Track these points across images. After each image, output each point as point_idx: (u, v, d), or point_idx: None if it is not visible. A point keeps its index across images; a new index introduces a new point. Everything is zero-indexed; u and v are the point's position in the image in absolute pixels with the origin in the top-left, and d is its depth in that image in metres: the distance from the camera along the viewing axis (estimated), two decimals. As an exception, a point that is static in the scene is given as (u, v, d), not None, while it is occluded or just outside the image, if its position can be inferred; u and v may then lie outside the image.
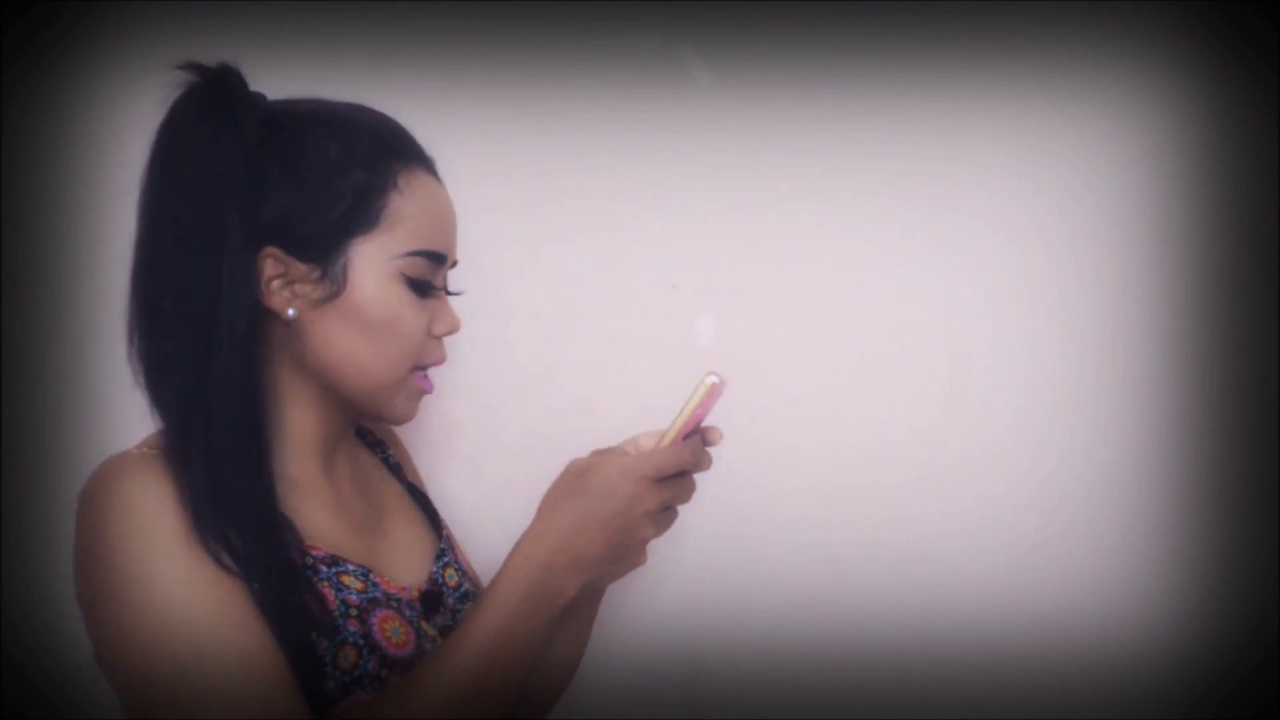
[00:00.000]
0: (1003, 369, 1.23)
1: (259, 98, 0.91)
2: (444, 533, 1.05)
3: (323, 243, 0.88)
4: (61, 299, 1.18)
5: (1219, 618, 1.22)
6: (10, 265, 1.18)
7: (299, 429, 0.93)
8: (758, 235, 1.23)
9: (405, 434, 1.17)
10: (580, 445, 1.14)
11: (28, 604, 1.17)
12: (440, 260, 0.93)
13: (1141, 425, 1.23)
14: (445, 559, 1.01)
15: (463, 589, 1.01)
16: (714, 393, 0.88)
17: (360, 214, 0.89)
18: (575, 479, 0.88)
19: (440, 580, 0.99)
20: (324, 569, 0.89)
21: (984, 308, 1.23)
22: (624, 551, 0.88)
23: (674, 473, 0.88)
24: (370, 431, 1.10)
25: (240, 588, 0.81)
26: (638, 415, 1.21)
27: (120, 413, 1.19)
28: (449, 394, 1.21)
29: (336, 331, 0.89)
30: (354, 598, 0.88)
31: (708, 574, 1.24)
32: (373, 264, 0.89)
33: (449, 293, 0.97)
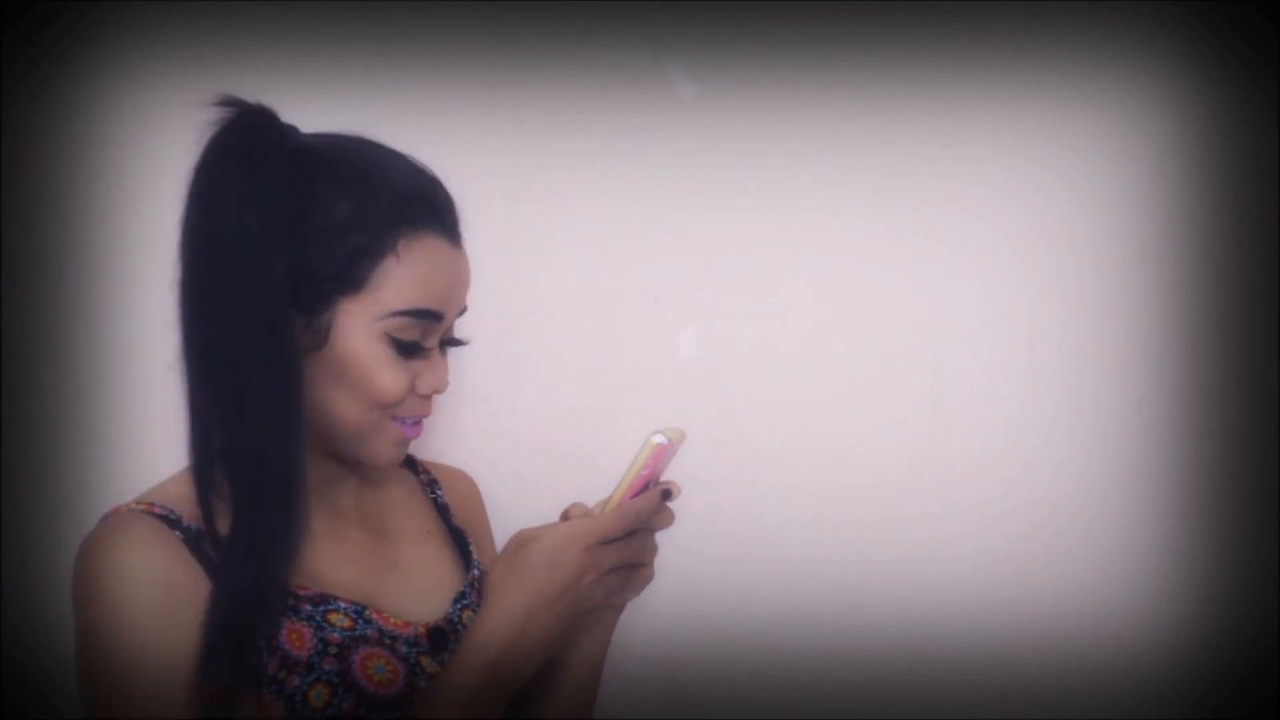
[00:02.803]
0: (999, 370, 1.23)
1: (292, 133, 0.91)
2: (472, 574, 1.03)
3: (311, 296, 0.88)
4: (62, 299, 1.18)
5: (1219, 618, 1.22)
6: (10, 265, 1.18)
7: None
8: (740, 248, 1.23)
9: None
10: (559, 459, 1.14)
11: (28, 604, 1.17)
12: (434, 317, 0.92)
13: (1141, 424, 1.23)
14: (465, 600, 0.99)
15: None
16: (660, 453, 0.87)
17: (350, 277, 0.88)
18: (519, 554, 0.87)
19: (456, 619, 0.97)
20: (308, 607, 0.88)
21: (978, 310, 1.23)
22: (581, 622, 0.88)
23: (621, 535, 0.87)
24: (426, 471, 1.10)
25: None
26: (619, 429, 1.21)
27: (120, 411, 1.20)
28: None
29: (313, 379, 0.89)
30: (336, 635, 0.88)
31: (686, 590, 1.22)
32: (357, 324, 0.88)
33: (455, 342, 0.97)
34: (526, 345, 1.23)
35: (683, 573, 1.21)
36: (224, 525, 0.86)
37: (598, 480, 1.16)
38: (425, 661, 0.93)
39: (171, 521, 0.86)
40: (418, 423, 0.95)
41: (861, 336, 1.23)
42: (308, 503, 0.88)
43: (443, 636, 0.95)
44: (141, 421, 1.18)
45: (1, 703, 1.18)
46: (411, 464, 1.09)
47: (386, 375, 0.90)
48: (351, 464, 0.97)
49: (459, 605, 0.99)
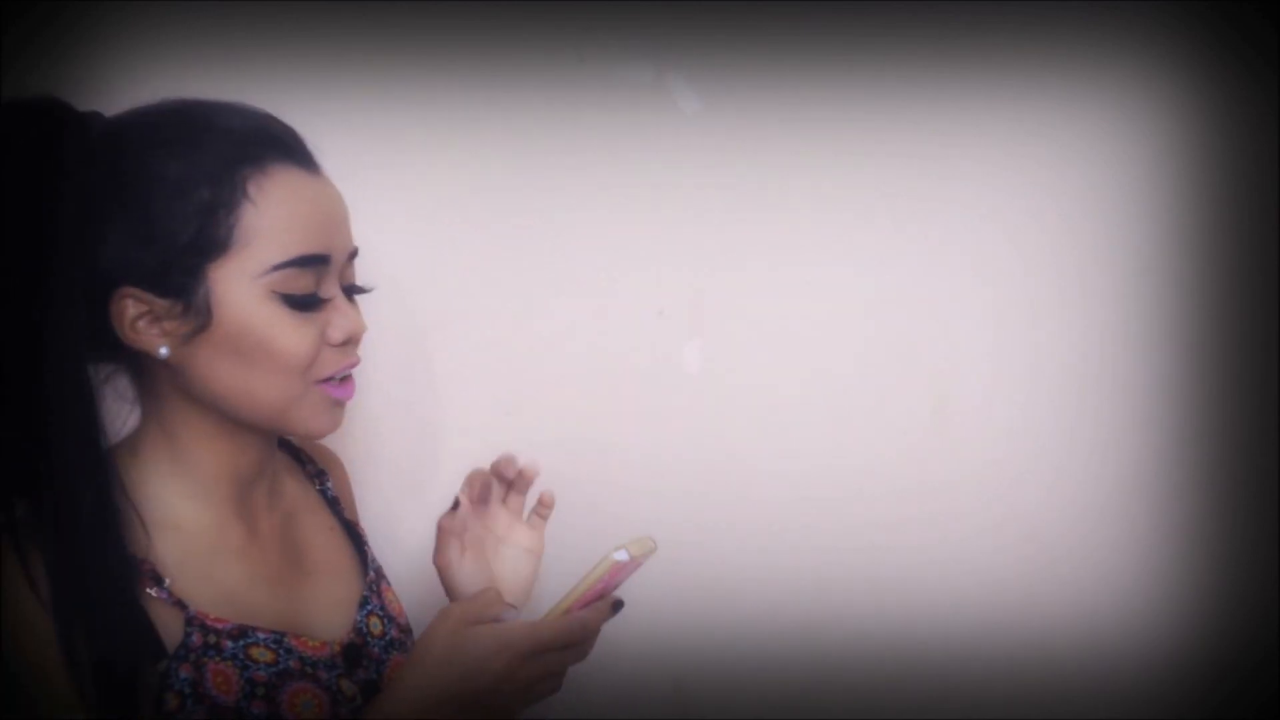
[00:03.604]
0: (1001, 375, 1.23)
1: (92, 121, 0.84)
2: (369, 576, 0.99)
3: (177, 274, 0.81)
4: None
5: (1219, 618, 1.22)
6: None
7: (205, 469, 0.88)
8: (744, 260, 1.23)
9: (382, 463, 1.16)
10: (565, 475, 1.14)
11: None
12: (320, 261, 0.85)
13: (1141, 423, 1.23)
14: (369, 606, 0.96)
15: (388, 636, 0.96)
16: (616, 571, 0.84)
17: (209, 237, 0.81)
18: (449, 642, 0.83)
19: (365, 630, 0.94)
20: (229, 644, 0.83)
21: (981, 318, 1.23)
22: (490, 716, 0.83)
23: (559, 646, 0.83)
24: (312, 460, 1.04)
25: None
26: (626, 444, 1.21)
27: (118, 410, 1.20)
28: (431, 420, 1.21)
29: (213, 365, 0.83)
30: (261, 674, 0.84)
31: (693, 598, 1.23)
32: (237, 288, 0.81)
33: (357, 289, 0.90)
34: (532, 359, 1.23)
35: (689, 580, 1.22)
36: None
37: (603, 497, 1.17)
38: (345, 685, 0.89)
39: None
40: (346, 379, 0.89)
41: (867, 347, 1.23)
42: (127, 544, 0.82)
43: (357, 653, 0.92)
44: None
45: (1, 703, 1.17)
46: (295, 452, 1.03)
47: (289, 335, 0.83)
48: (265, 452, 0.91)
49: (365, 612, 0.95)
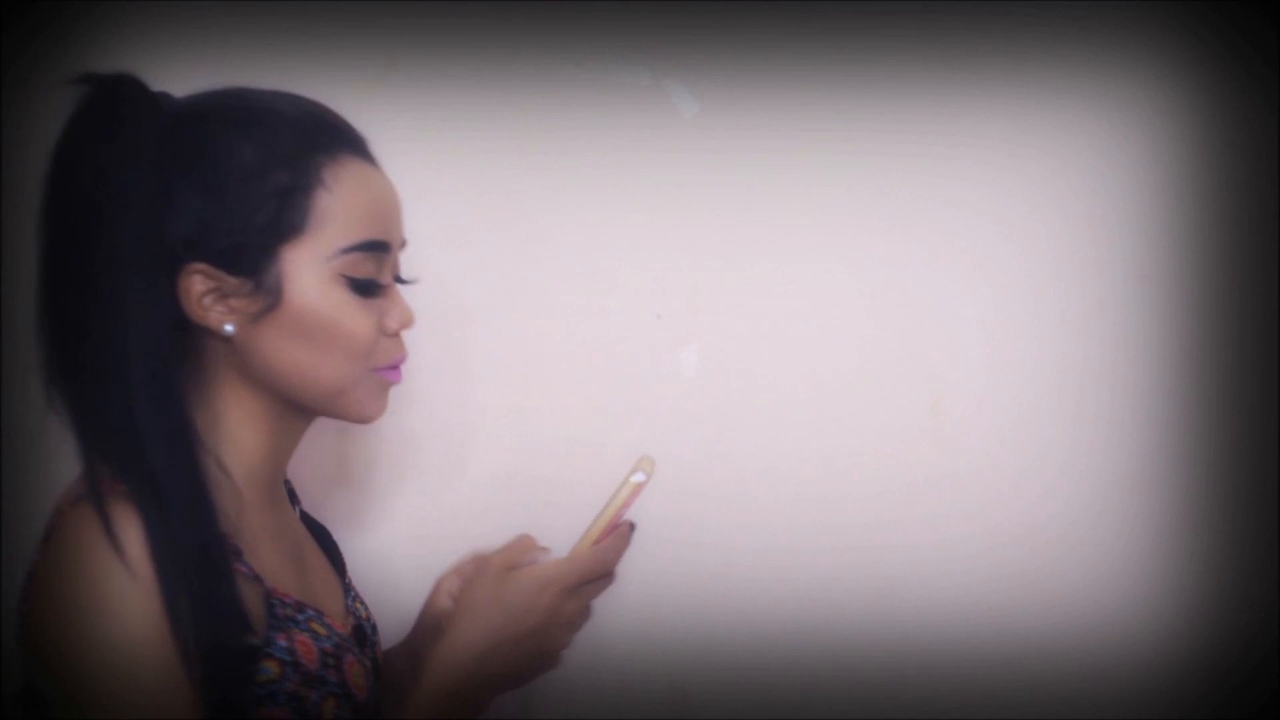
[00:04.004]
0: (997, 375, 1.23)
1: (164, 100, 0.85)
2: (344, 564, 1.01)
3: (251, 254, 0.82)
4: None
5: (1219, 618, 1.22)
6: (10, 265, 1.18)
7: (249, 451, 0.88)
8: (742, 264, 1.23)
9: (378, 465, 1.17)
10: (561, 478, 1.14)
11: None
12: (383, 249, 0.87)
13: (1141, 423, 1.23)
14: (352, 593, 0.98)
15: (371, 621, 0.99)
16: (637, 491, 0.87)
17: (286, 219, 0.82)
18: (492, 589, 0.85)
19: (357, 615, 0.96)
20: (299, 617, 0.85)
21: (978, 322, 1.23)
22: (539, 661, 0.86)
23: (595, 577, 0.86)
24: None
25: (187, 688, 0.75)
26: (622, 446, 1.21)
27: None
28: (425, 424, 1.21)
29: (279, 344, 0.84)
30: (329, 645, 0.85)
31: (690, 599, 1.23)
32: (308, 270, 0.83)
33: (401, 281, 0.92)
34: (528, 362, 1.23)
35: (686, 582, 1.22)
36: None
37: (599, 500, 1.17)
38: (365, 663, 0.91)
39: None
40: (395, 366, 0.90)
41: (865, 349, 1.23)
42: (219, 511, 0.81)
43: (362, 635, 0.94)
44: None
45: (1, 703, 1.17)
46: None
47: (354, 318, 0.85)
48: (296, 440, 0.92)
49: (350, 598, 0.97)
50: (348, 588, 0.98)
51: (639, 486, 0.86)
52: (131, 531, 0.76)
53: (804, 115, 1.20)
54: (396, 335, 0.90)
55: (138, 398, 0.78)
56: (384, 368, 0.89)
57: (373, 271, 0.86)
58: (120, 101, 0.81)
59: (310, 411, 0.90)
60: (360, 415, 0.89)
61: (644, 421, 1.22)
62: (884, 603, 1.23)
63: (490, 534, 1.02)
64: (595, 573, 0.86)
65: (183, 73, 1.15)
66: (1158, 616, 1.23)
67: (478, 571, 0.88)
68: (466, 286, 1.21)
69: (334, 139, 0.86)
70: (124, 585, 0.74)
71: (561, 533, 1.08)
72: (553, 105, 1.20)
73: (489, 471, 1.23)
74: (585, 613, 0.88)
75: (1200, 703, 1.22)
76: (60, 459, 1.18)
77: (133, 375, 0.79)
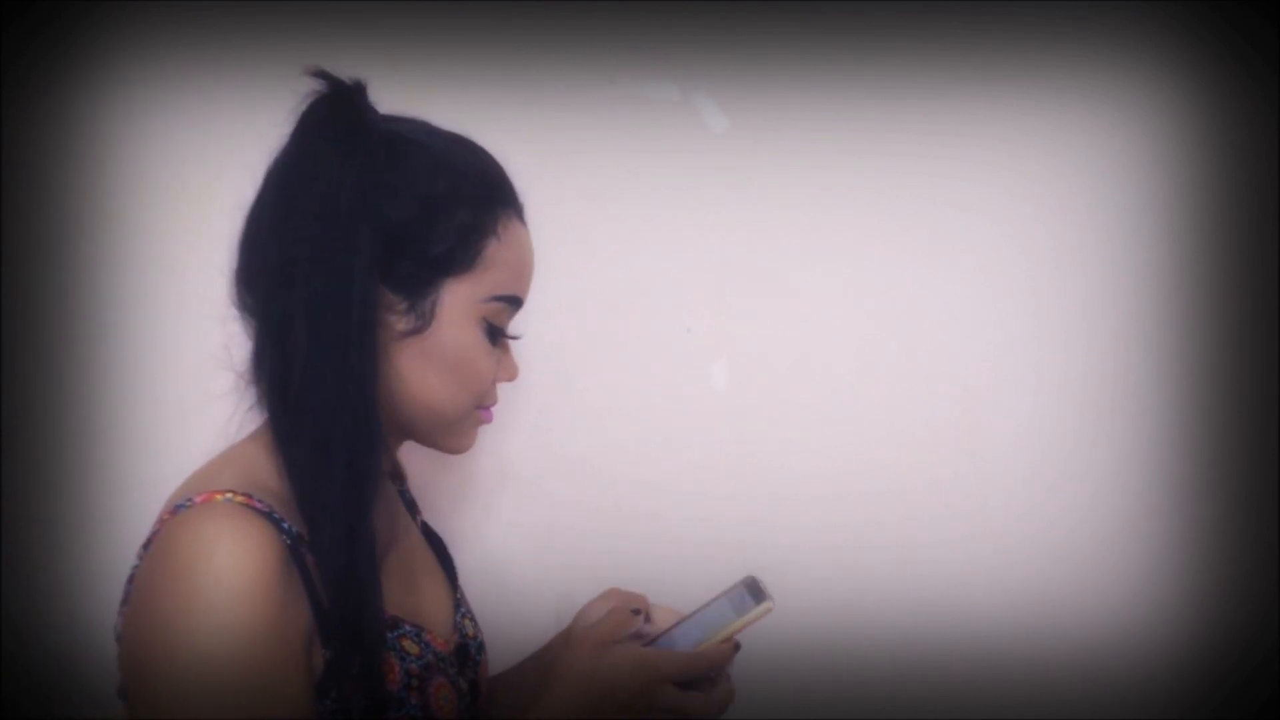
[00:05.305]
0: (1037, 390, 1.23)
1: (377, 121, 0.87)
2: (456, 580, 1.01)
3: (418, 278, 0.84)
4: (61, 299, 1.18)
5: (1219, 618, 1.22)
6: (11, 265, 1.18)
7: None
8: (773, 277, 1.22)
9: (411, 476, 1.17)
10: (590, 495, 1.13)
11: (28, 604, 1.17)
12: (519, 305, 0.91)
13: (1141, 423, 1.23)
14: (463, 609, 0.98)
15: (479, 639, 0.98)
16: (762, 617, 0.88)
17: (459, 255, 0.85)
18: (593, 659, 0.84)
19: (464, 632, 0.96)
20: (390, 635, 0.84)
21: (1012, 328, 1.23)
22: None
23: (698, 676, 0.85)
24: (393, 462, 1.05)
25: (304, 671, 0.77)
26: (654, 460, 1.21)
27: (117, 412, 1.20)
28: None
29: (413, 365, 0.85)
30: (414, 665, 0.85)
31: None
32: (460, 306, 0.86)
33: (510, 337, 0.95)
34: (559, 377, 1.23)
35: (708, 595, 1.22)
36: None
37: (630, 514, 1.17)
38: (461, 684, 0.91)
39: (274, 521, 0.78)
40: (488, 409, 0.93)
41: (895, 364, 1.22)
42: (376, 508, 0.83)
43: (465, 653, 0.94)
44: (143, 422, 1.18)
45: (1, 703, 1.18)
46: None
47: (485, 360, 0.88)
48: (389, 463, 0.93)
49: (460, 614, 0.97)
50: (459, 603, 0.98)
51: (766, 612, 0.88)
52: (255, 538, 0.76)
53: (833, 131, 1.20)
54: (494, 386, 0.93)
55: (349, 398, 0.80)
56: (484, 408, 0.92)
57: (505, 322, 0.90)
58: (357, 106, 0.84)
59: (409, 435, 0.91)
60: (457, 447, 0.92)
61: (674, 436, 1.22)
62: (912, 609, 1.23)
63: (518, 544, 1.00)
64: (693, 674, 0.85)
65: (183, 73, 1.17)
66: (1158, 616, 1.22)
67: (579, 642, 0.87)
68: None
69: (509, 194, 0.90)
70: (232, 591, 0.73)
71: (593, 548, 1.09)
72: (584, 120, 1.20)
73: (515, 488, 1.23)
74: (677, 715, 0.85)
75: (1200, 703, 1.22)
76: (60, 459, 1.20)
77: (349, 377, 0.80)
